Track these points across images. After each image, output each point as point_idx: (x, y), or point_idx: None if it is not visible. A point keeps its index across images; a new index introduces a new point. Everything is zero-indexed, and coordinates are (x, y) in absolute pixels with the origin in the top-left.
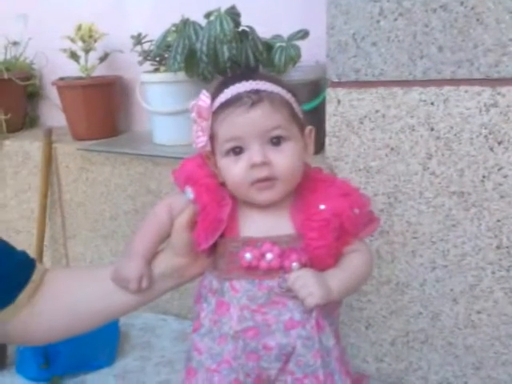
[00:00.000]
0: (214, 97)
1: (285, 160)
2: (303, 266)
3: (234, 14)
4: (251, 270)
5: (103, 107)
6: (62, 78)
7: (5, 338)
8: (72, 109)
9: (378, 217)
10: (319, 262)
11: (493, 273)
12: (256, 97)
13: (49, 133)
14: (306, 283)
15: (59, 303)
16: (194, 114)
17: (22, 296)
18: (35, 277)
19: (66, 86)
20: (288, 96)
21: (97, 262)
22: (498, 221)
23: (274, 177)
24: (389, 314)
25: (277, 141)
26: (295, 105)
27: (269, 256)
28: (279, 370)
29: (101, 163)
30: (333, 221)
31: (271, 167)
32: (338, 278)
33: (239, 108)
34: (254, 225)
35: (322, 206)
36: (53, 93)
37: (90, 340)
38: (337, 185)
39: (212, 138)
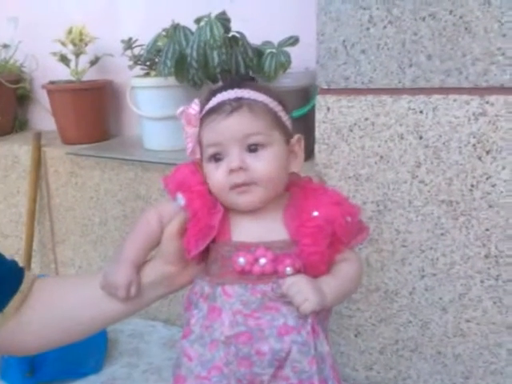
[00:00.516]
0: (203, 105)
1: (263, 166)
2: (297, 271)
3: (224, 20)
4: (244, 274)
5: (93, 111)
6: (52, 82)
7: None
8: (62, 113)
9: (367, 226)
10: (313, 269)
11: (481, 282)
12: (236, 104)
13: (38, 136)
14: (301, 289)
15: (47, 313)
16: (182, 121)
17: (10, 306)
18: (24, 286)
19: (56, 89)
20: (273, 104)
21: (86, 268)
22: (487, 230)
23: (252, 182)
24: (378, 322)
25: (254, 147)
26: (281, 113)
27: (262, 261)
28: (272, 375)
29: (90, 168)
30: (326, 227)
31: (249, 173)
32: (330, 284)
33: (220, 115)
34: (247, 230)
35: (315, 213)
36: (43, 96)
37: (78, 347)
38: (328, 194)
39: (200, 144)
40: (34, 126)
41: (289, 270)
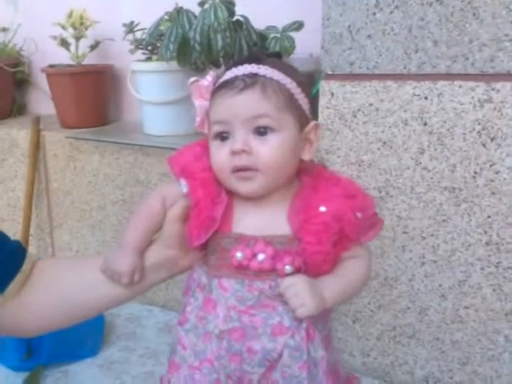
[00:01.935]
0: (218, 78)
1: (268, 151)
2: (296, 269)
3: (228, 3)
4: (241, 269)
5: (93, 96)
6: (51, 66)
7: None
8: (61, 97)
9: (381, 219)
10: (314, 268)
11: (482, 269)
12: (250, 81)
13: (37, 120)
14: (299, 292)
15: (48, 294)
16: (192, 92)
17: (12, 287)
18: (25, 267)
19: (55, 73)
20: (291, 85)
21: (83, 252)
22: (489, 217)
23: (255, 167)
24: (376, 308)
25: (263, 131)
26: (299, 96)
27: (261, 256)
28: (261, 375)
29: (89, 152)
30: (332, 225)
31: (252, 157)
32: (333, 286)
33: (231, 91)
34: (249, 221)
35: (323, 208)
36: (41, 80)
37: (75, 329)
38: (341, 185)
39: (208, 120)
40: (32, 109)
41: (288, 268)
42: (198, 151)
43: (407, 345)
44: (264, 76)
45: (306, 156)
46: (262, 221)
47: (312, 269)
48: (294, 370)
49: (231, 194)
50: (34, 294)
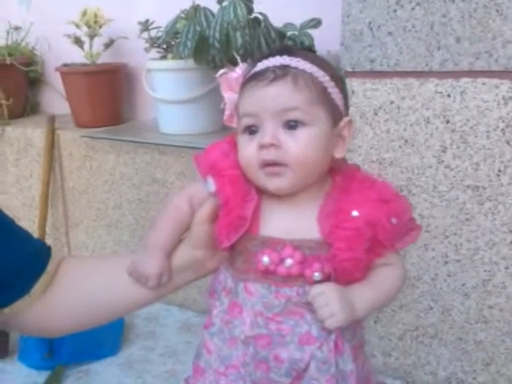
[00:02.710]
0: (248, 70)
1: (298, 146)
2: (326, 276)
3: (247, 1)
4: (268, 274)
5: (108, 95)
6: (65, 65)
7: (20, 329)
8: (76, 96)
9: (418, 225)
10: (345, 275)
11: (506, 268)
12: (281, 72)
13: (52, 119)
14: (329, 302)
15: (74, 295)
16: (221, 85)
17: (37, 287)
18: (50, 267)
19: (69, 72)
20: (324, 78)
21: (99, 252)
22: None
23: (284, 162)
24: (398, 308)
25: (294, 124)
26: (332, 90)
27: (288, 262)
28: None
29: (105, 151)
30: (365, 231)
31: (281, 151)
32: (364, 296)
33: (261, 82)
34: (277, 223)
35: (355, 213)
36: (55, 79)
37: (95, 329)
38: (376, 188)
39: (237, 113)
40: (45, 109)
41: (317, 275)
42: (225, 148)
43: (429, 345)
44: (296, 68)
45: (339, 153)
46: (291, 223)
47: (342, 276)
48: (321, 383)
49: (260, 192)
50: (59, 294)
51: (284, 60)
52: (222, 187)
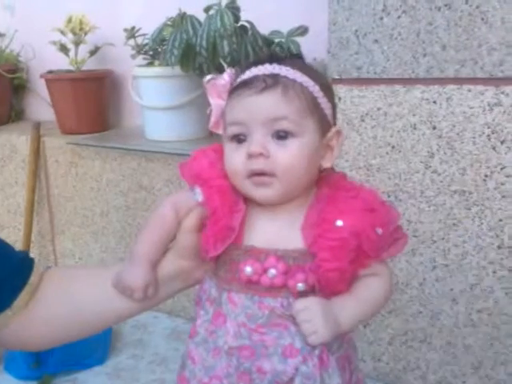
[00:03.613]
0: (236, 77)
1: (287, 157)
2: (310, 287)
3: (233, 9)
4: (251, 284)
5: (93, 101)
6: (50, 71)
7: (2, 344)
8: (61, 102)
9: (405, 234)
10: (329, 286)
11: (494, 272)
12: (271, 81)
13: (37, 126)
14: (312, 318)
15: (57, 308)
16: (208, 91)
17: (19, 300)
18: (33, 279)
19: (55, 79)
20: (314, 88)
21: (86, 259)
22: (500, 220)
23: (272, 173)
24: (387, 313)
25: (284, 135)
26: (322, 100)
27: (272, 272)
28: None
29: (91, 158)
30: (350, 241)
31: (269, 161)
32: (349, 310)
33: (249, 90)
34: (261, 233)
35: (340, 223)
36: (39, 86)
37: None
38: (361, 197)
39: (224, 120)
40: (30, 115)
41: (301, 285)
42: (212, 156)
43: (419, 349)
44: (286, 77)
45: (327, 163)
46: (275, 233)
47: (327, 287)
48: None
49: (246, 202)
50: (42, 307)
51: (274, 68)
52: (210, 197)
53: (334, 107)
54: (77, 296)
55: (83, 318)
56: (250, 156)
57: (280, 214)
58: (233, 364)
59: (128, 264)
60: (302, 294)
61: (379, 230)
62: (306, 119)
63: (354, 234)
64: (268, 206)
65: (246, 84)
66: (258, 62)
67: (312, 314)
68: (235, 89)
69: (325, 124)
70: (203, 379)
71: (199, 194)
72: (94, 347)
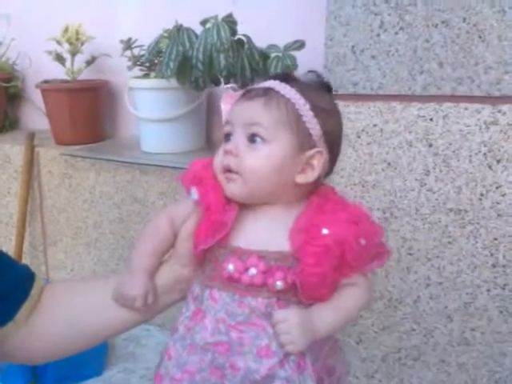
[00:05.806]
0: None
1: (252, 159)
2: (289, 285)
3: (230, 23)
4: (232, 282)
5: (88, 112)
6: (46, 81)
7: (4, 357)
8: (56, 112)
9: (388, 250)
10: (311, 290)
11: (488, 291)
12: (261, 92)
13: (31, 136)
14: (290, 330)
15: (58, 321)
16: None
17: (22, 312)
18: (34, 292)
19: (50, 89)
20: (302, 107)
21: (78, 271)
22: (495, 239)
23: (236, 170)
24: (380, 329)
25: (254, 139)
26: (308, 119)
27: (252, 271)
28: None
29: (85, 169)
30: (334, 249)
31: (237, 160)
32: (326, 319)
33: (243, 98)
34: (247, 235)
35: (325, 231)
36: (35, 95)
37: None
38: (348, 209)
39: None
40: (24, 125)
41: (279, 284)
42: (208, 160)
43: (412, 367)
44: (277, 92)
45: (300, 179)
46: (261, 236)
47: (308, 291)
48: None
49: (238, 205)
50: (44, 320)
51: (272, 84)
52: (205, 194)
53: (329, 131)
54: (77, 309)
55: (84, 330)
56: (225, 152)
57: (268, 219)
58: (207, 359)
59: (126, 275)
60: (281, 294)
61: (362, 241)
62: (281, 130)
63: (338, 243)
64: (255, 209)
65: (245, 93)
66: (269, 78)
67: (290, 325)
68: (238, 98)
69: (306, 141)
70: (175, 375)
71: (195, 193)
72: (91, 360)
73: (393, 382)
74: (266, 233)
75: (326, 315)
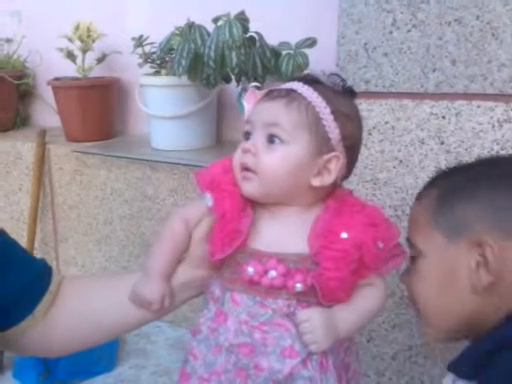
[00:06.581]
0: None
1: (269, 159)
2: (308, 287)
3: (242, 20)
4: (253, 284)
5: (99, 109)
6: (57, 78)
7: (21, 350)
8: (67, 109)
9: (404, 251)
10: (330, 293)
11: None
12: (284, 93)
13: (43, 133)
14: (314, 329)
15: (75, 316)
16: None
17: (40, 307)
18: (52, 287)
19: (61, 86)
20: (324, 110)
21: (89, 267)
22: None
23: (254, 169)
24: (391, 327)
25: (271, 139)
26: (328, 123)
27: (272, 273)
28: None
29: (96, 166)
30: (352, 253)
31: (255, 159)
32: (348, 320)
33: (265, 97)
34: (266, 238)
35: (344, 235)
36: (46, 92)
37: None
38: (365, 212)
39: None
40: (35, 122)
41: (299, 286)
42: (227, 165)
43: (423, 365)
44: (299, 94)
45: (315, 182)
46: (280, 239)
47: (327, 294)
48: None
49: (253, 208)
50: (62, 314)
51: (295, 85)
52: (221, 201)
53: (349, 136)
54: (94, 304)
55: (101, 325)
56: (243, 151)
57: (285, 222)
58: (232, 360)
59: (143, 278)
60: (301, 296)
61: (380, 244)
62: (300, 132)
63: (357, 247)
64: (271, 209)
65: (268, 93)
66: (293, 79)
67: (314, 325)
68: (261, 97)
69: (324, 144)
70: (204, 375)
71: (209, 199)
72: (102, 355)
73: (403, 379)
74: (284, 235)
75: (348, 316)
